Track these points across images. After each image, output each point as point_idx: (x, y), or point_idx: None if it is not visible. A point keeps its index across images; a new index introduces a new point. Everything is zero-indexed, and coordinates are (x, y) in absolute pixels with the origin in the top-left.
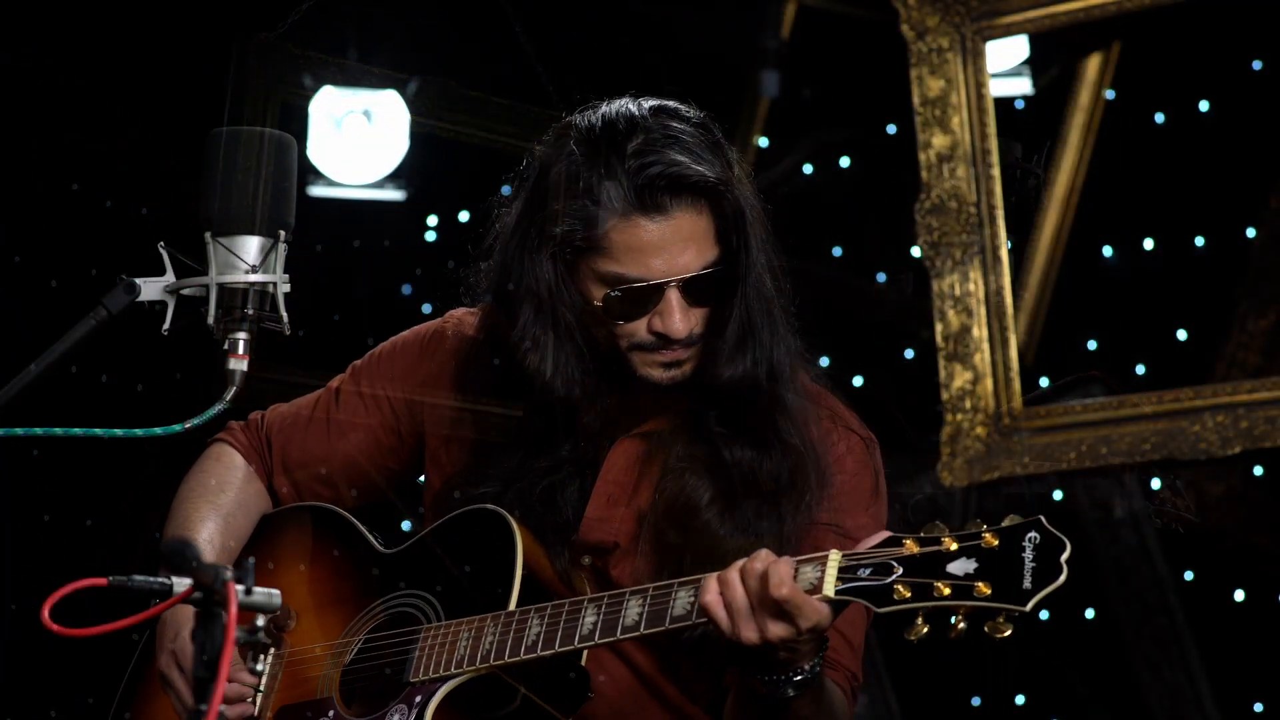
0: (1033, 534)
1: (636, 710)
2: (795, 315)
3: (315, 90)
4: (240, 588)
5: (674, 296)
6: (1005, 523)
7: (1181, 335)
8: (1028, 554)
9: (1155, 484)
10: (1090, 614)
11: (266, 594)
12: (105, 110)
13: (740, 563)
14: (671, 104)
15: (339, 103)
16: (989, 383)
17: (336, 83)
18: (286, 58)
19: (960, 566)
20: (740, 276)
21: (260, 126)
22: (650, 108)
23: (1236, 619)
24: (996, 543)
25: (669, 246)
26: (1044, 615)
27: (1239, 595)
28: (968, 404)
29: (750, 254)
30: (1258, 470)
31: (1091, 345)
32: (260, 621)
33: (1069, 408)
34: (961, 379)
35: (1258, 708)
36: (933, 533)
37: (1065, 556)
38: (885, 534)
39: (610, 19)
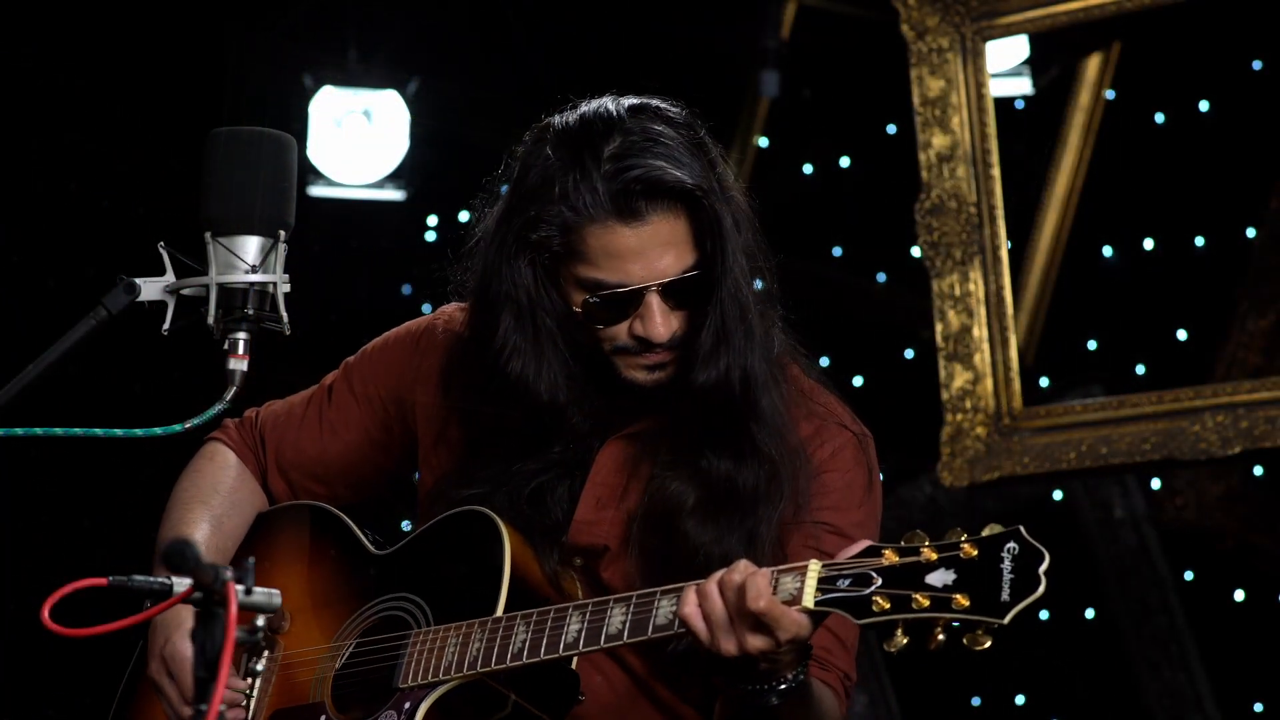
0: (1011, 544)
1: (630, 710)
2: (788, 312)
3: (315, 90)
4: (240, 587)
5: (654, 301)
6: (985, 532)
7: (1181, 335)
8: (1006, 565)
9: (1155, 484)
10: (1090, 614)
11: (266, 594)
12: (105, 110)
13: (719, 574)
14: (654, 102)
15: (339, 103)
16: (989, 383)
17: (336, 83)
18: (286, 57)
19: (939, 578)
20: (716, 282)
21: (260, 126)
22: (630, 107)
23: (1236, 619)
24: (975, 553)
25: (647, 252)
26: (1044, 615)
27: (1239, 595)
28: (968, 404)
29: (726, 260)
30: (1258, 470)
31: (1091, 345)
32: (260, 621)
33: (1069, 408)
34: (961, 379)
35: (1258, 708)
36: (913, 542)
37: (1044, 568)
38: (865, 543)
39: (611, 19)
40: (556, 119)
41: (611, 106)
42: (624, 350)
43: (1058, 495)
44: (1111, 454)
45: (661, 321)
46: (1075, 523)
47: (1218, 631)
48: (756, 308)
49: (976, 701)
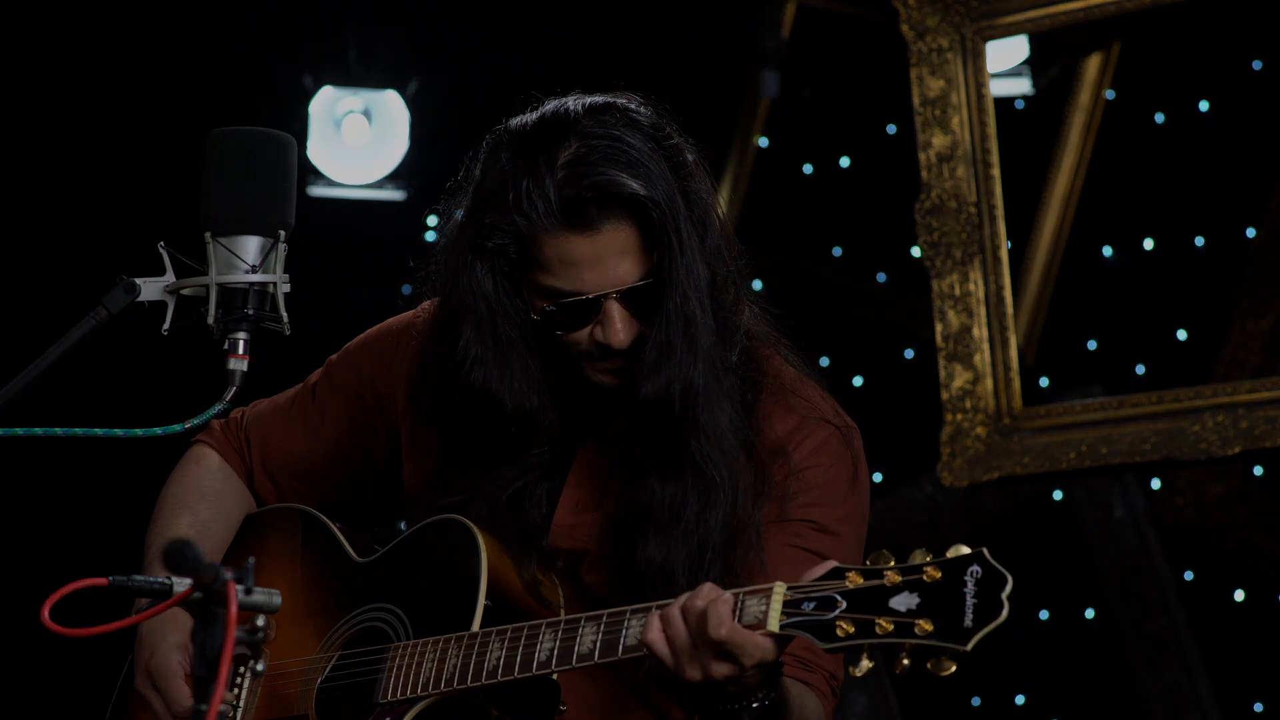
0: (974, 567)
1: (619, 712)
2: (778, 308)
3: (315, 90)
4: (240, 587)
5: (614, 308)
6: (949, 554)
7: (1181, 335)
8: (969, 589)
9: (1155, 484)
10: (1090, 614)
11: (266, 594)
12: (105, 110)
13: (683, 598)
14: (619, 101)
15: (339, 103)
16: (989, 383)
17: (336, 83)
18: (286, 57)
19: (903, 601)
20: (663, 295)
21: (260, 126)
22: (590, 108)
23: (1236, 619)
24: (939, 575)
25: (602, 260)
26: (1044, 615)
27: (1239, 595)
28: (968, 404)
29: (674, 273)
30: (1258, 470)
31: (1091, 345)
32: (260, 621)
33: (1069, 407)
34: (961, 379)
35: (1258, 708)
36: (878, 563)
37: (1006, 592)
38: (831, 563)
39: (611, 18)
40: (514, 120)
41: (572, 106)
42: (587, 355)
43: (1058, 495)
44: (1111, 454)
45: (622, 328)
46: (1075, 523)
47: (1218, 631)
48: (713, 317)
49: (976, 701)
